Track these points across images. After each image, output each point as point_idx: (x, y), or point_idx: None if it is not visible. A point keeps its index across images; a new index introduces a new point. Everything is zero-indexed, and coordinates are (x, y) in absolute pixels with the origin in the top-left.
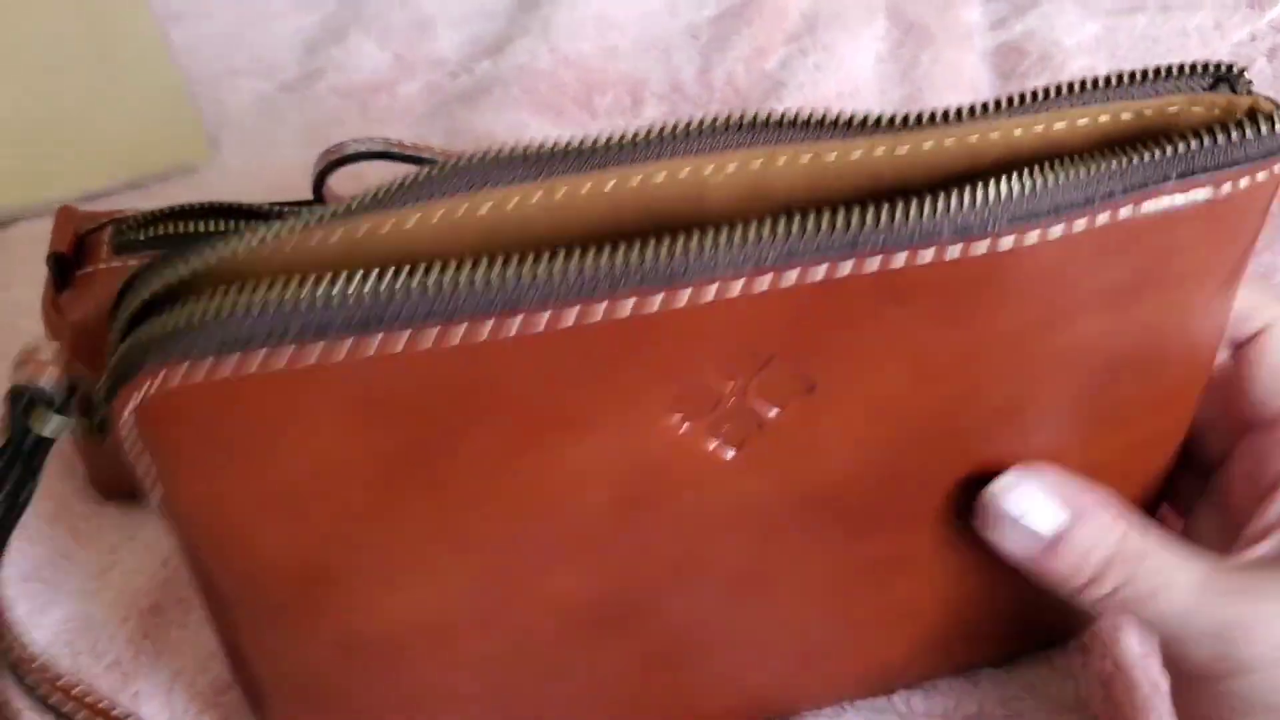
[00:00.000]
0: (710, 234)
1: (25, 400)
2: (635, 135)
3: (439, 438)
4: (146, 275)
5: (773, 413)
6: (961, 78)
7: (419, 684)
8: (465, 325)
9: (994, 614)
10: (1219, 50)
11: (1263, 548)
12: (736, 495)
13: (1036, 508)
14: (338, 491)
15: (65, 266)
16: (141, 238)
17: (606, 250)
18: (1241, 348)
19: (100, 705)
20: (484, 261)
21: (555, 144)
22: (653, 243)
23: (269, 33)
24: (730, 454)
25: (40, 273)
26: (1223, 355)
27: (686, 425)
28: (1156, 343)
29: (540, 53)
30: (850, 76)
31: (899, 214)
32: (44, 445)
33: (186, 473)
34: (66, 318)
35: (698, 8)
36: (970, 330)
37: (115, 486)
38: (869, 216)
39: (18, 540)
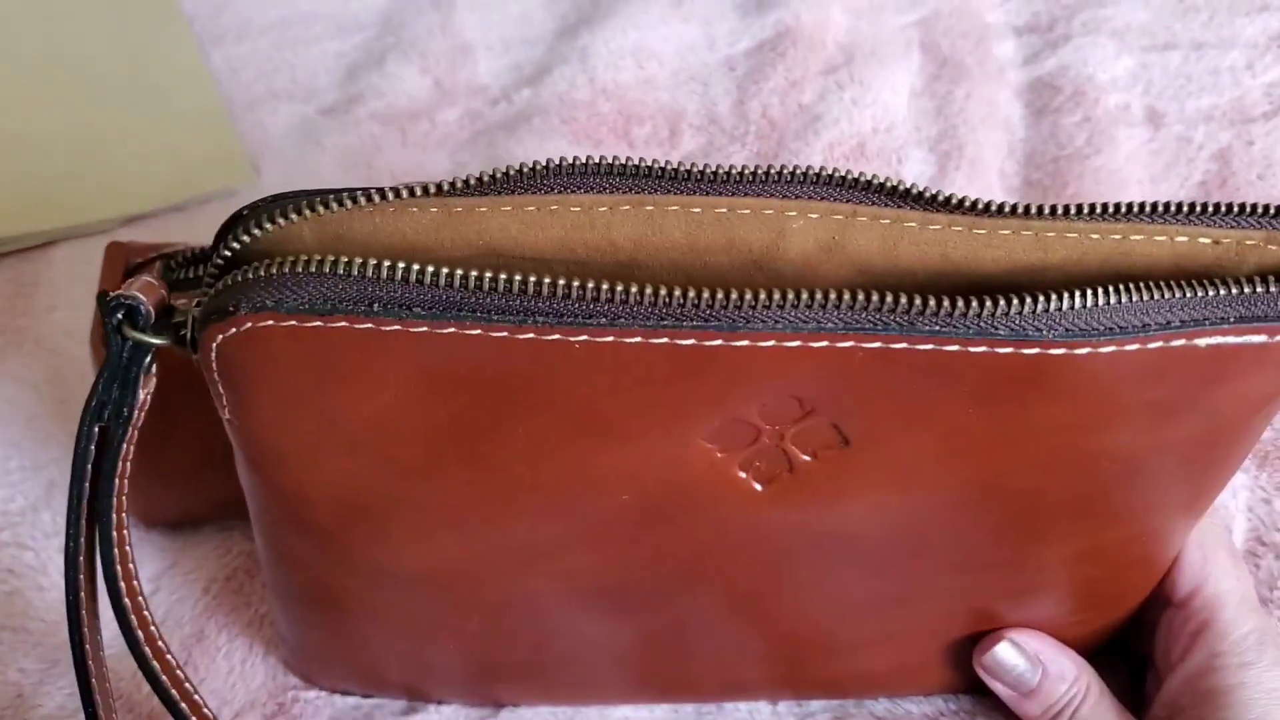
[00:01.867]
0: (775, 295)
1: (120, 309)
2: (729, 170)
3: (490, 420)
4: (255, 214)
5: (805, 458)
6: (996, 114)
7: (429, 616)
8: (533, 331)
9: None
10: (1250, 89)
11: None
12: (755, 524)
13: (1025, 666)
14: (390, 446)
15: None
16: (189, 275)
17: (676, 291)
18: None
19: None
20: (560, 277)
21: (653, 163)
22: (720, 294)
23: (309, 57)
24: (757, 487)
25: (85, 294)
26: None
27: (721, 455)
28: (1181, 459)
29: (580, 82)
30: (886, 111)
31: (959, 309)
32: (139, 357)
33: (258, 405)
34: None
35: (734, 41)
36: (1005, 420)
37: (158, 515)
38: (929, 305)
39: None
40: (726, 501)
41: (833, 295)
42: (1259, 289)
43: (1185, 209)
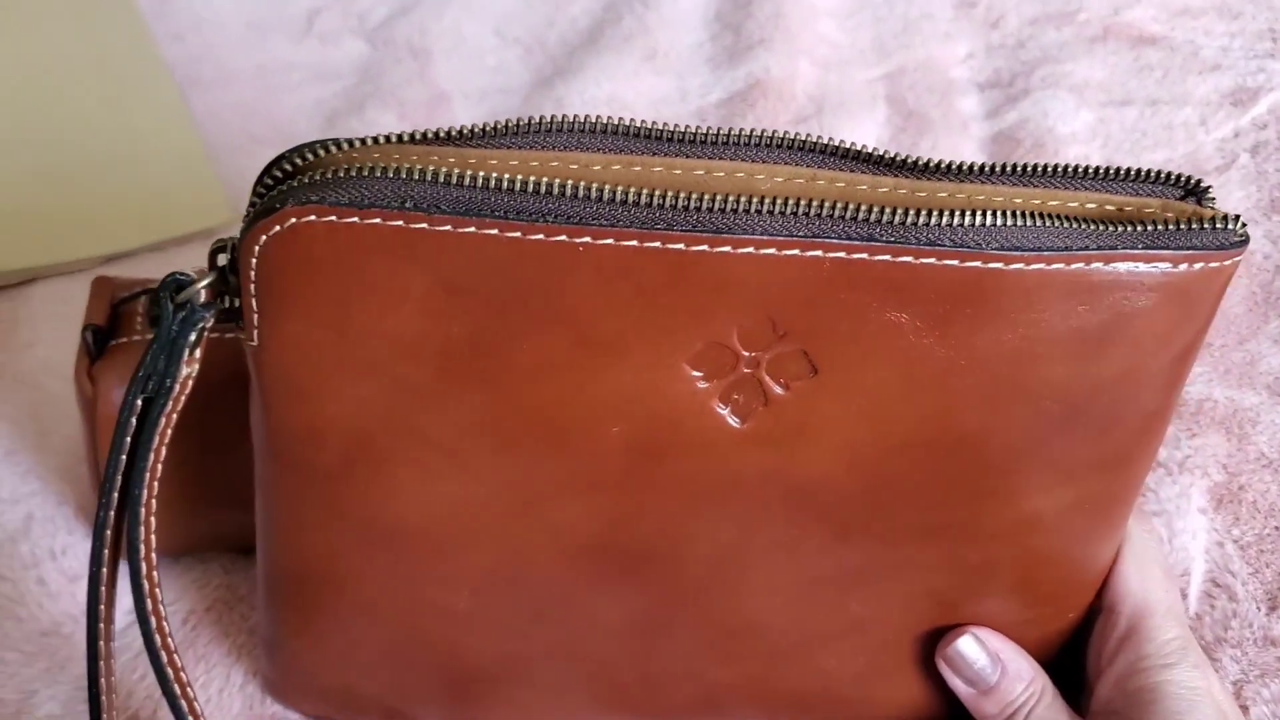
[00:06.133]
0: (754, 200)
1: (174, 285)
2: (705, 132)
3: (498, 337)
4: (295, 150)
5: (779, 390)
6: None
7: (419, 589)
8: (543, 231)
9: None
10: (1204, 144)
11: None
12: (734, 470)
13: (985, 662)
14: (404, 366)
15: (100, 337)
16: None
17: (669, 196)
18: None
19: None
20: (569, 183)
21: (641, 124)
22: (706, 196)
23: (289, 103)
24: (736, 424)
25: (63, 331)
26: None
27: (703, 384)
28: (1112, 402)
29: None
30: None
31: (910, 219)
32: (187, 329)
33: (288, 318)
34: (99, 387)
35: (706, 93)
36: (954, 346)
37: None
38: (885, 215)
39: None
40: (708, 439)
41: (803, 203)
42: (1159, 227)
43: (1093, 172)
